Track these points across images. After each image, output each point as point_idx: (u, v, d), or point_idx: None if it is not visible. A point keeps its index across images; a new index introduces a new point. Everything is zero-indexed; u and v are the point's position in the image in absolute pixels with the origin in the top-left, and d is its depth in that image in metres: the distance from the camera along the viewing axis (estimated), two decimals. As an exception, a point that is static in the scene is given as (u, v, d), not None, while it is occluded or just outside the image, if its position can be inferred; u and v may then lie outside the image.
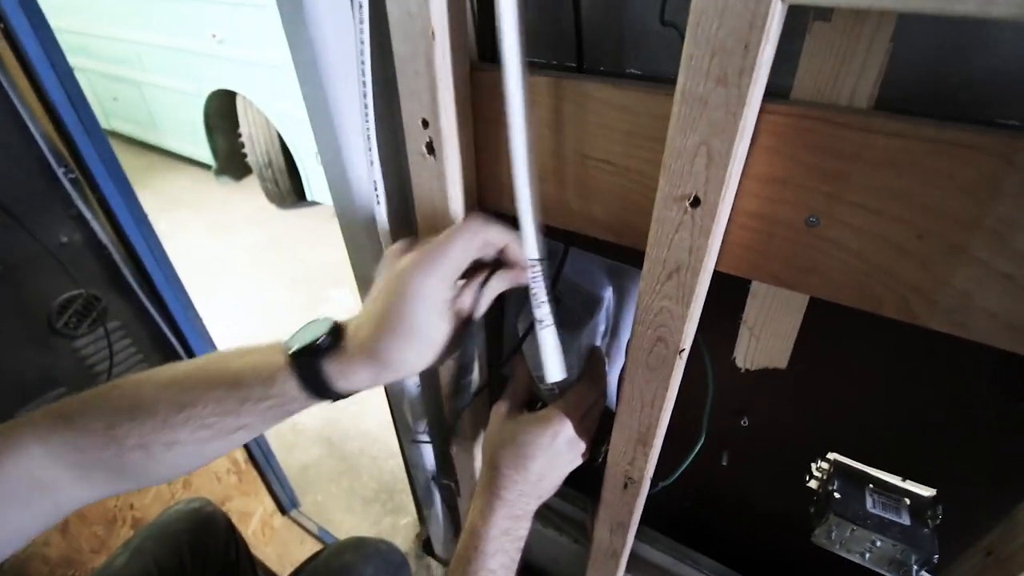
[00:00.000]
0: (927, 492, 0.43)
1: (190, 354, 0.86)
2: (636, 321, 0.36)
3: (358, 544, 0.67)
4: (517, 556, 0.46)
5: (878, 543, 0.42)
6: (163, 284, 0.80)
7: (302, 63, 0.42)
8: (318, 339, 0.35)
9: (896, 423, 0.43)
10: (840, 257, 0.31)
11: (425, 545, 0.91)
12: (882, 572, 0.43)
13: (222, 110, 2.53)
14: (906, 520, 0.42)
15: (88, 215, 0.72)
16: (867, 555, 0.43)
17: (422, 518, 0.66)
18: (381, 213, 0.46)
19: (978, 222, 0.27)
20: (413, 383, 0.61)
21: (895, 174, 0.28)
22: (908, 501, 0.43)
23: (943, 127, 0.26)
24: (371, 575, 0.64)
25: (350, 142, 0.45)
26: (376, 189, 0.45)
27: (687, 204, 0.30)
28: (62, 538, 0.75)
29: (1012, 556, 0.33)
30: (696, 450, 0.48)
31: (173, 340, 0.84)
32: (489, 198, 0.43)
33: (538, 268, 0.38)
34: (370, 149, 0.42)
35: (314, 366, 0.35)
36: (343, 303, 2.07)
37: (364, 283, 0.56)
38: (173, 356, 0.85)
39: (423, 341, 0.36)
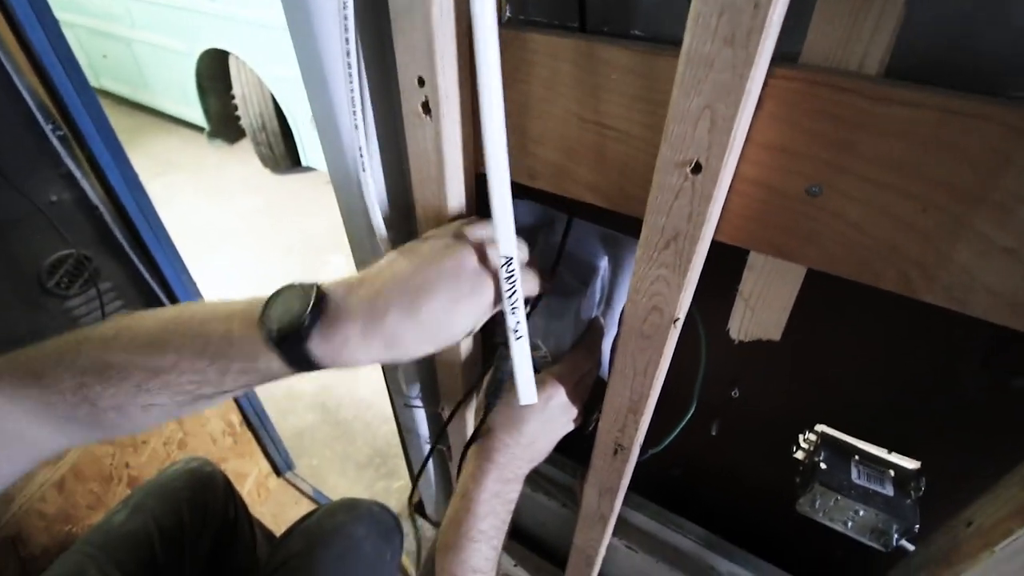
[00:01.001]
0: (912, 464, 0.44)
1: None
2: (632, 289, 0.36)
3: (350, 505, 0.68)
4: (508, 519, 0.47)
5: (861, 512, 0.43)
6: (155, 246, 0.80)
7: (295, 22, 0.40)
8: (301, 319, 0.31)
9: (885, 397, 0.43)
10: (840, 229, 0.31)
11: (418, 508, 0.93)
12: (863, 540, 0.44)
13: (215, 70, 2.46)
14: (889, 491, 0.43)
15: (78, 174, 0.71)
16: (849, 524, 0.44)
17: (415, 482, 0.67)
18: (367, 180, 0.45)
19: (985, 196, 0.26)
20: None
21: (902, 144, 0.27)
22: (892, 473, 0.44)
23: (953, 96, 0.25)
24: (362, 535, 0.65)
25: (344, 105, 0.44)
26: (362, 154, 0.43)
27: (688, 170, 0.29)
28: (59, 494, 0.76)
29: (993, 527, 0.33)
30: (686, 419, 0.48)
31: (167, 303, 0.84)
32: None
33: (514, 267, 0.34)
34: (355, 112, 0.41)
35: (299, 348, 0.31)
36: (341, 269, 2.06)
37: (360, 250, 0.55)
38: (167, 319, 0.84)
39: (445, 339, 0.35)
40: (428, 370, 0.67)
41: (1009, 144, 0.25)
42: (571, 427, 0.49)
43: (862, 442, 0.46)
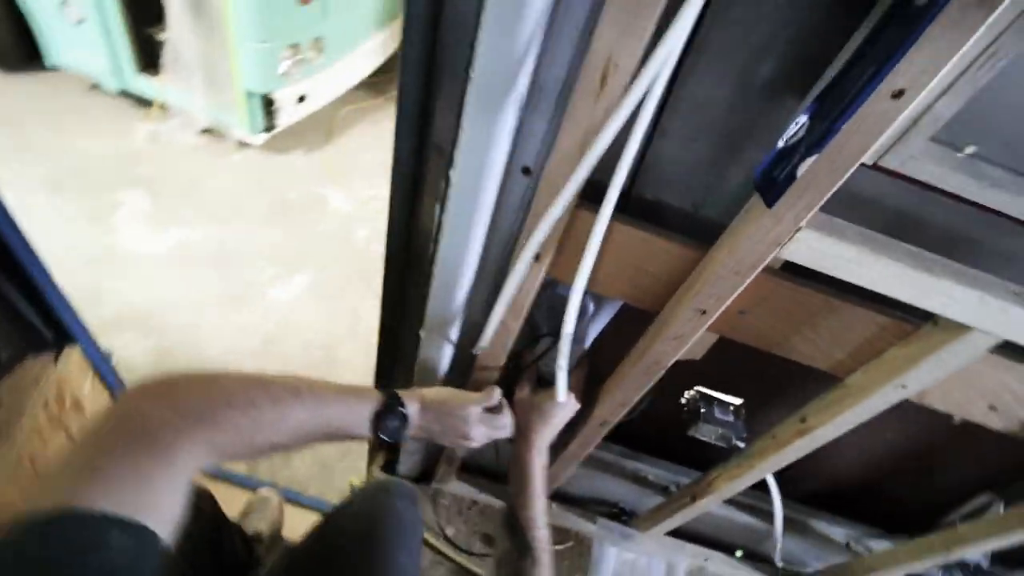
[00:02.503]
0: (738, 401, 0.86)
1: None
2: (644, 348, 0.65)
3: (382, 485, 0.88)
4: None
5: (719, 430, 0.84)
6: None
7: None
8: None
9: (722, 371, 0.83)
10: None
11: (386, 468, 1.14)
12: (720, 444, 0.85)
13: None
14: (731, 417, 0.84)
15: None
16: (713, 436, 0.85)
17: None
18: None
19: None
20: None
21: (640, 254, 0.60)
22: (731, 407, 0.86)
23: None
24: (403, 508, 0.86)
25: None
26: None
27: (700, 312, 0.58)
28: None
29: (788, 439, 0.75)
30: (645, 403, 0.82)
31: None
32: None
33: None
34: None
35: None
36: (139, 209, 1.78)
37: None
38: None
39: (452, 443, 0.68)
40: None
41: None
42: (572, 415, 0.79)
43: (717, 392, 0.86)
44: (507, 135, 0.49)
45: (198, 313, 1.85)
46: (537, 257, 0.58)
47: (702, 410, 0.84)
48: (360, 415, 0.56)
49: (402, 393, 0.62)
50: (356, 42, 2.50)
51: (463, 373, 0.79)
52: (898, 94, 0.38)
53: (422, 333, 0.74)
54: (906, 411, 0.65)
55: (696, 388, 0.86)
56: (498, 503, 1.10)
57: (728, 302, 0.57)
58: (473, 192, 0.54)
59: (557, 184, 0.52)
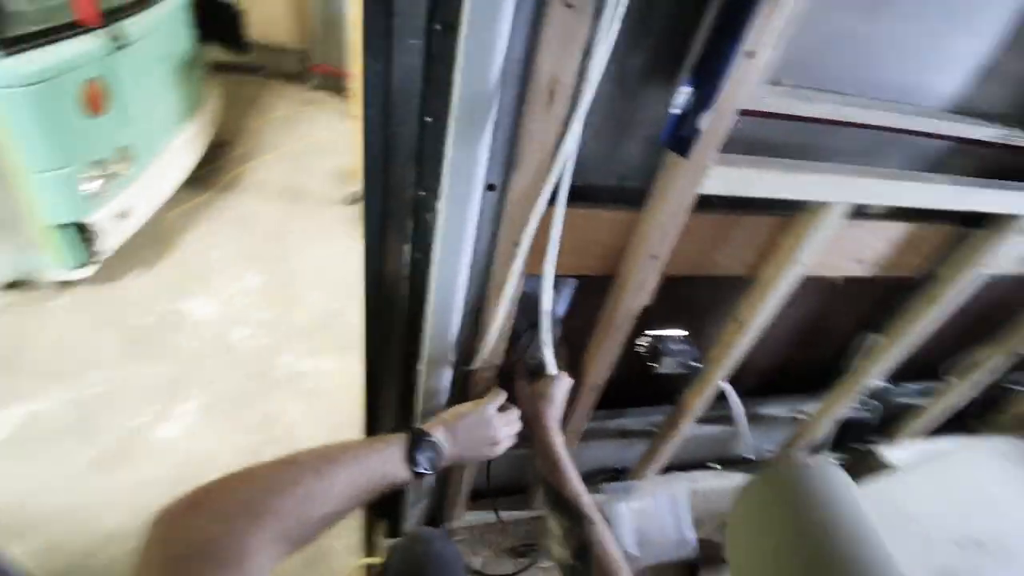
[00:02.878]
0: (684, 332, 1.03)
1: None
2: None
3: (416, 536, 0.87)
4: None
5: (678, 359, 0.99)
6: None
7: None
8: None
9: (666, 311, 0.99)
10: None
11: (391, 533, 1.10)
12: (682, 371, 1.01)
13: None
14: (683, 346, 1.00)
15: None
16: (674, 367, 1.00)
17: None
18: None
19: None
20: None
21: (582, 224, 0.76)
22: (680, 338, 1.02)
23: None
24: (440, 547, 0.86)
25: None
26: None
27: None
28: None
29: (730, 339, 0.92)
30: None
31: None
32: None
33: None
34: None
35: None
36: None
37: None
38: None
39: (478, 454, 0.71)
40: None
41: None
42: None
43: (666, 330, 1.02)
44: (485, 157, 0.57)
45: (73, 491, 1.56)
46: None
47: (658, 348, 0.99)
48: (394, 457, 0.59)
49: (423, 426, 0.66)
50: (167, 140, 2.33)
51: (463, 388, 0.83)
52: (751, 54, 0.55)
53: (420, 367, 0.77)
54: (804, 288, 0.86)
55: (646, 333, 1.01)
56: (513, 514, 1.14)
57: (673, 243, 0.71)
58: (460, 219, 0.61)
59: (529, 192, 0.61)
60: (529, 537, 1.14)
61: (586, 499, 0.76)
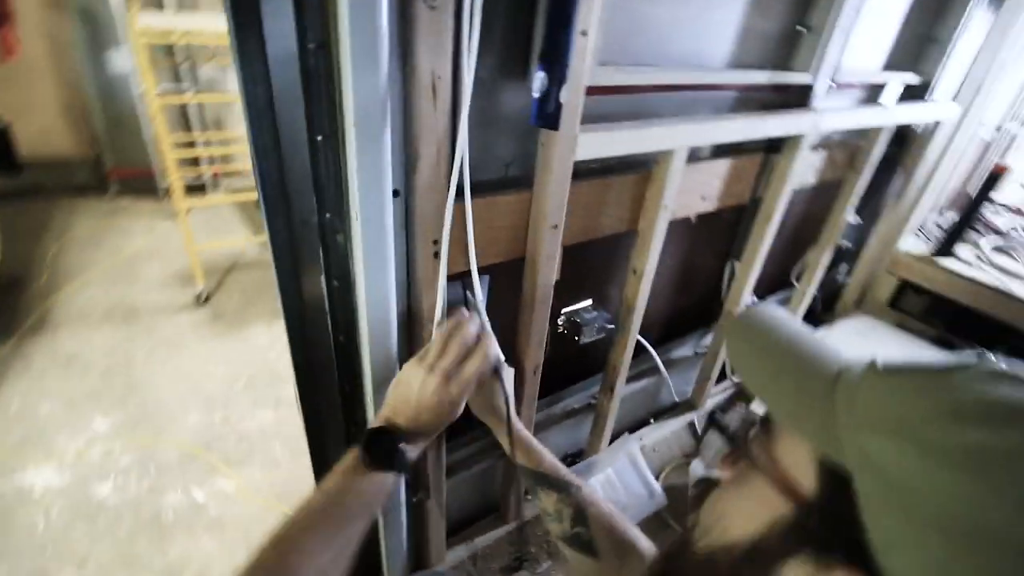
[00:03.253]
0: (590, 302, 1.11)
1: None
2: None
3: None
4: None
5: (595, 325, 1.07)
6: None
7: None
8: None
9: (568, 286, 1.07)
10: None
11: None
12: (601, 336, 1.09)
13: None
14: (596, 313, 1.09)
15: None
16: (594, 334, 1.08)
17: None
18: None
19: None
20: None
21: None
22: (588, 307, 1.10)
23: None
24: None
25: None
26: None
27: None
28: None
29: (633, 291, 1.02)
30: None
31: None
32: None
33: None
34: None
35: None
36: None
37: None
38: None
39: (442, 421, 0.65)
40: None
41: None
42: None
43: (577, 304, 1.09)
44: (390, 164, 0.59)
45: None
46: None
47: (575, 321, 1.06)
48: (360, 475, 0.56)
49: (369, 429, 0.62)
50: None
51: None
52: (584, 33, 0.65)
53: (367, 395, 0.74)
54: (672, 233, 0.99)
55: (562, 313, 1.08)
56: (493, 535, 1.11)
57: (564, 209, 0.79)
58: (379, 232, 0.61)
59: (434, 190, 0.64)
60: (515, 550, 1.12)
61: (564, 469, 0.79)
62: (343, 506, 0.54)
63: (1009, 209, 1.89)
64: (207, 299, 2.82)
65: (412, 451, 0.62)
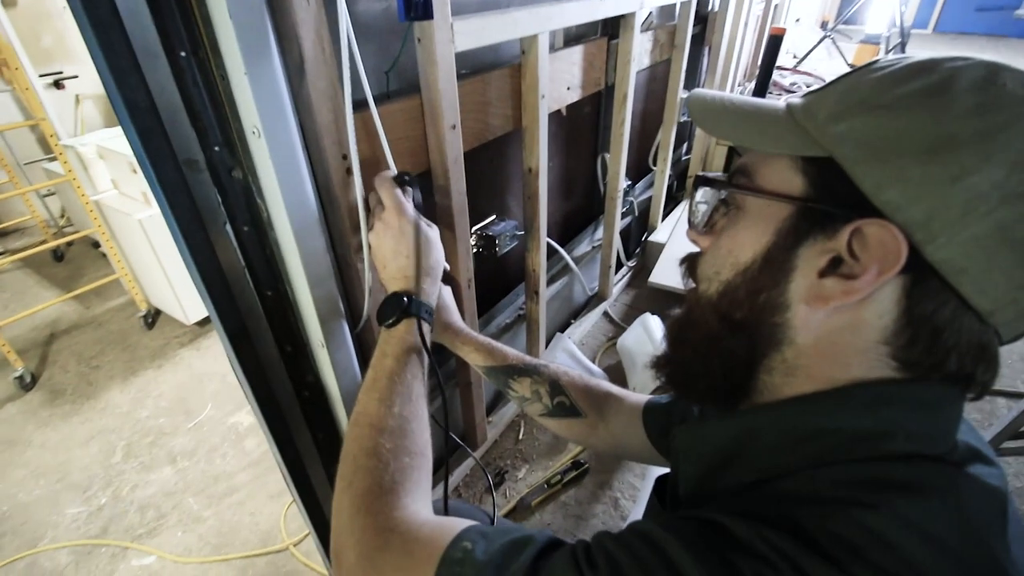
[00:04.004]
0: (494, 217, 1.12)
1: None
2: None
3: None
4: None
5: (507, 235, 1.09)
6: None
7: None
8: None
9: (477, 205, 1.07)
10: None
11: None
12: (515, 243, 1.11)
13: None
14: (502, 224, 1.10)
15: None
16: (508, 242, 1.10)
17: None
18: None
19: (483, 103, 0.89)
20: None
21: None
22: (493, 219, 1.11)
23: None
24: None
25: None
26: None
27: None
28: None
29: (533, 190, 1.05)
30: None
31: None
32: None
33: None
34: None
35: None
36: None
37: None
38: None
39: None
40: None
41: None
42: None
43: (484, 221, 1.10)
44: (281, 71, 0.52)
45: None
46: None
47: (488, 235, 1.07)
48: (392, 346, 0.54)
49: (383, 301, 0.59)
50: None
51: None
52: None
53: (321, 347, 0.68)
54: (552, 128, 1.04)
55: (472, 232, 1.08)
56: (463, 469, 1.11)
57: (458, 108, 0.77)
58: (289, 153, 0.55)
59: (328, 97, 0.59)
60: (492, 469, 1.13)
61: (526, 356, 0.81)
62: (384, 368, 0.52)
63: (787, 69, 2.27)
64: (34, 380, 2.32)
65: (427, 296, 0.59)
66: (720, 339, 0.38)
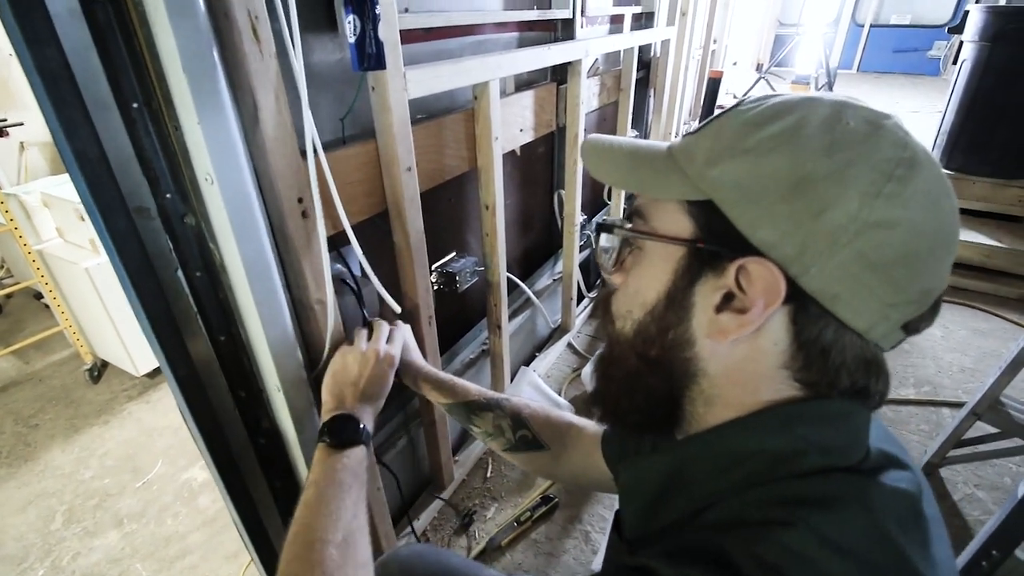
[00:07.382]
0: (454, 254, 1.14)
1: None
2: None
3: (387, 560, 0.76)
4: None
5: (467, 271, 1.10)
6: None
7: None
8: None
9: (436, 244, 1.09)
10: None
11: None
12: (475, 279, 1.12)
13: None
14: (462, 260, 1.12)
15: None
16: (469, 278, 1.11)
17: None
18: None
19: (439, 145, 0.92)
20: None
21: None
22: (454, 257, 1.13)
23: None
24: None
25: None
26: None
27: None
28: None
29: (490, 226, 1.08)
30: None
31: None
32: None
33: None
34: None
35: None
36: None
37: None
38: None
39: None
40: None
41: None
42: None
43: (444, 258, 1.11)
44: (233, 118, 0.54)
45: None
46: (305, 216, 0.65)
47: (448, 272, 1.09)
48: (336, 458, 0.57)
49: (324, 418, 0.63)
50: None
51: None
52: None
53: (278, 391, 0.67)
54: (507, 169, 1.08)
55: (432, 269, 1.09)
56: (430, 510, 1.09)
57: (413, 151, 0.80)
58: (242, 199, 0.56)
59: (283, 143, 0.60)
60: (460, 510, 1.11)
61: (488, 391, 0.81)
62: (336, 483, 0.55)
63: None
64: (-38, 444, 2.14)
65: (368, 423, 0.64)
66: (640, 376, 0.39)
